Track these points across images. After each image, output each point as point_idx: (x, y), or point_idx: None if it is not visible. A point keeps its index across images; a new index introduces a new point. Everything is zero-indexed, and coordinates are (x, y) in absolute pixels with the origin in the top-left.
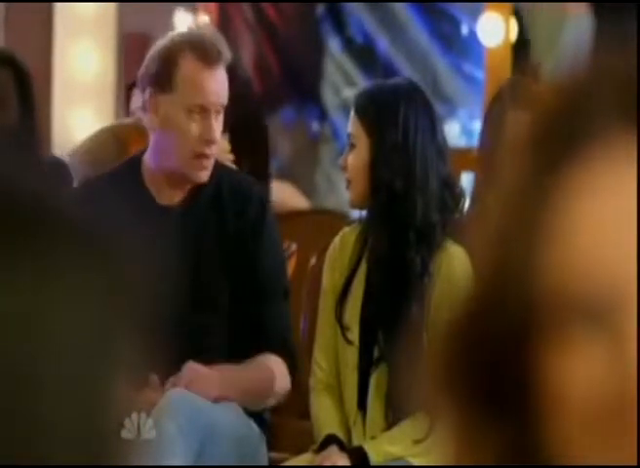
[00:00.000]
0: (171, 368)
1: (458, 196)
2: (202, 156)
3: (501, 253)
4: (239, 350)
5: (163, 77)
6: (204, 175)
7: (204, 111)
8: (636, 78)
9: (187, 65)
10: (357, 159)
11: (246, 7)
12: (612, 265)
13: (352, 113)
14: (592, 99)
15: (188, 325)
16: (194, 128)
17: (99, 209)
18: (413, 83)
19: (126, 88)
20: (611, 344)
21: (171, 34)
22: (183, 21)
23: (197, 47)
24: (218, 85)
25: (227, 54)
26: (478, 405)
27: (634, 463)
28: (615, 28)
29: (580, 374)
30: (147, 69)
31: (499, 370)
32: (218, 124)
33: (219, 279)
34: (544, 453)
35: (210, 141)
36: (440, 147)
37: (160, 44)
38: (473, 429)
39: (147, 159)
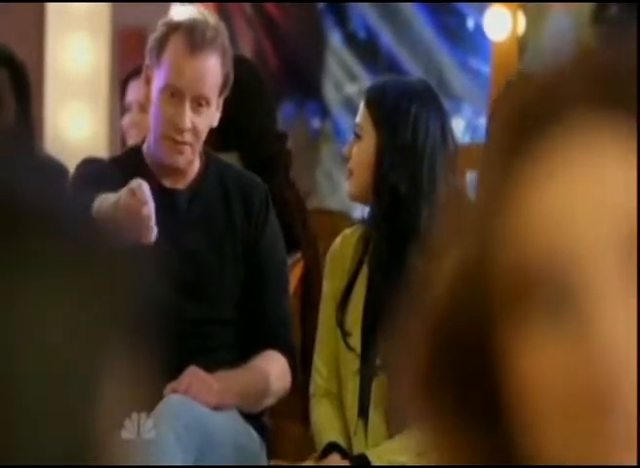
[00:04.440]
0: (171, 368)
1: None
2: (171, 140)
3: (469, 236)
4: (240, 346)
5: (155, 52)
6: (179, 160)
7: (179, 95)
8: (619, 70)
9: (173, 46)
10: (362, 152)
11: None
12: (572, 245)
13: (362, 104)
14: (563, 85)
15: (191, 320)
16: (167, 110)
17: (103, 190)
18: (427, 85)
19: (120, 83)
20: (576, 326)
21: (176, 11)
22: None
23: (186, 30)
24: (198, 72)
25: (220, 43)
26: (451, 407)
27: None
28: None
29: (546, 360)
30: (150, 42)
31: (467, 368)
32: (196, 115)
33: (224, 265)
34: (523, 451)
35: (179, 128)
36: (451, 155)
37: (164, 19)
38: (450, 433)
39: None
